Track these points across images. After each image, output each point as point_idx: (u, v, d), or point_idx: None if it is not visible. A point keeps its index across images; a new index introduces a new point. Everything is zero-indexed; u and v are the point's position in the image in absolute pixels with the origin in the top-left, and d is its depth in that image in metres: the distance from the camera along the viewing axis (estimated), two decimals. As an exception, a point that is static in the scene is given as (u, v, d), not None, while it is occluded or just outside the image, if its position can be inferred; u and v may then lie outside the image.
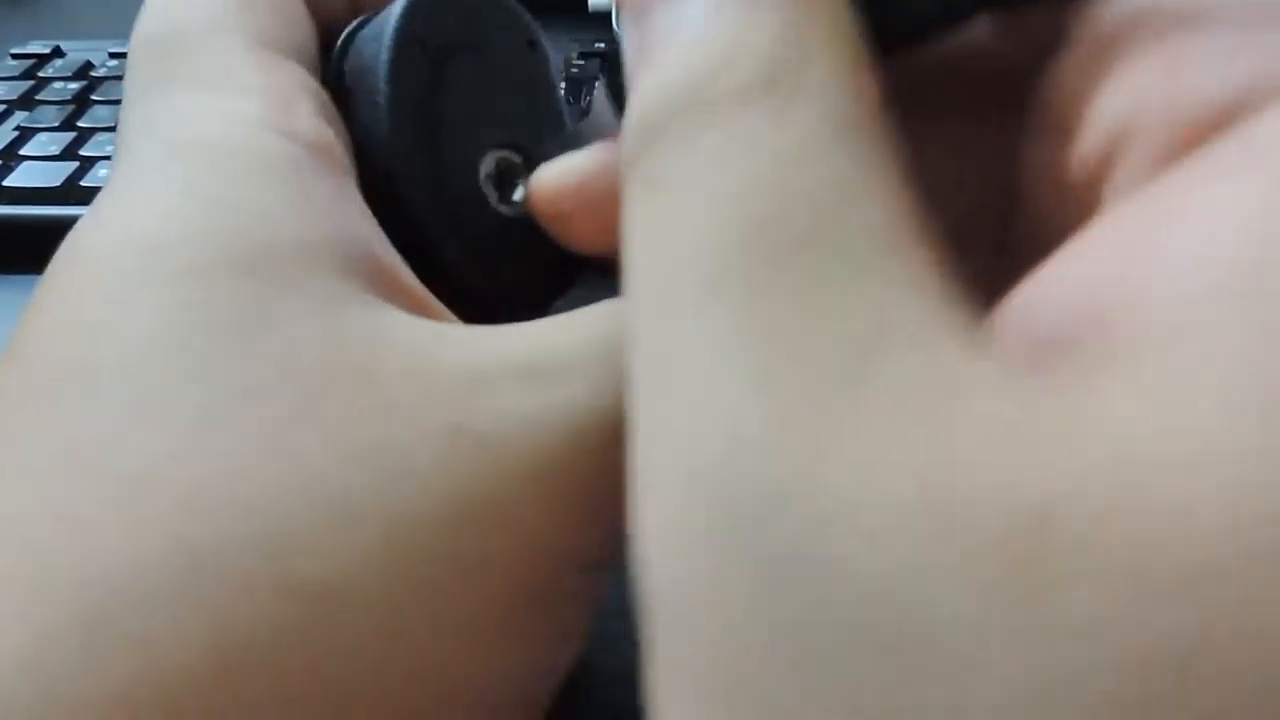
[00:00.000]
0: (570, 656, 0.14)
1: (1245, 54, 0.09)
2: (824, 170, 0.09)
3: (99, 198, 0.15)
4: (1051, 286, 0.09)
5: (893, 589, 0.07)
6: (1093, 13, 0.11)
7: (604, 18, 0.47)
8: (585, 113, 0.17)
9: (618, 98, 0.16)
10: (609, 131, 0.16)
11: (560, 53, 0.43)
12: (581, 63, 0.42)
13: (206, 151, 0.14)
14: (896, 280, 0.09)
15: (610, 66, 0.16)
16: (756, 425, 0.08)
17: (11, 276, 0.16)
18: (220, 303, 0.13)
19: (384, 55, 0.17)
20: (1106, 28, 0.11)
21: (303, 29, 0.17)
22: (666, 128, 0.10)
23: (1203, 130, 0.09)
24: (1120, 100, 0.10)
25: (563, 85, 0.40)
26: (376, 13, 0.18)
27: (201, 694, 0.10)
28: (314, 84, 0.17)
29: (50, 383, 0.12)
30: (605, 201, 0.15)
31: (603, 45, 0.43)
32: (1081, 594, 0.07)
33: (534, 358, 0.14)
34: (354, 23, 0.18)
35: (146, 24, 0.16)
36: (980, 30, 0.13)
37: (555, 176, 0.16)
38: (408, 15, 0.17)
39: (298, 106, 0.15)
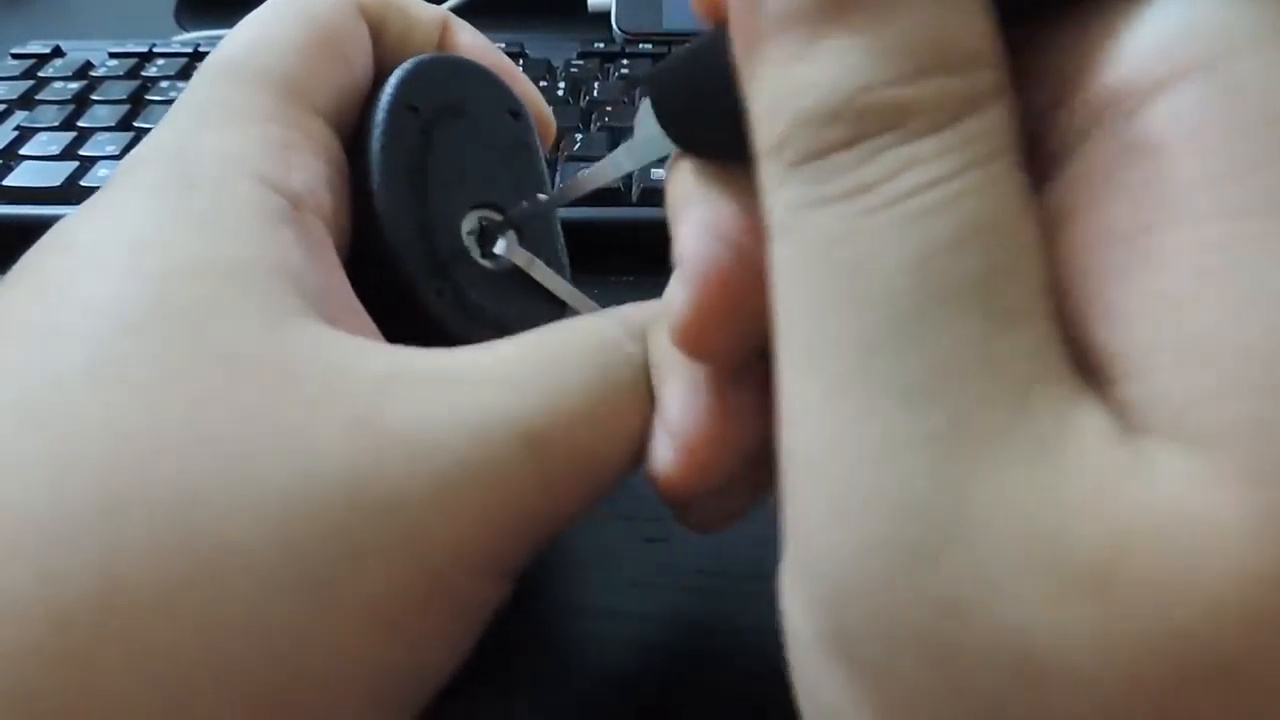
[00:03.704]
0: (454, 666, 0.15)
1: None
2: (1013, 201, 0.10)
3: (96, 197, 0.16)
4: (1094, 321, 0.10)
5: (1019, 626, 0.09)
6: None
7: (604, 18, 0.47)
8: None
9: (668, 120, 0.15)
10: (582, 191, 0.17)
11: (560, 54, 0.43)
12: (581, 63, 0.42)
13: (198, 185, 0.16)
14: (1046, 321, 0.10)
15: (658, 85, 0.15)
16: (932, 482, 0.09)
17: (11, 276, 0.16)
18: (178, 295, 0.14)
19: (378, 117, 0.19)
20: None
21: (353, 84, 0.19)
22: (859, 134, 0.10)
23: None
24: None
25: (561, 85, 0.40)
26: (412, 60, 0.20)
27: (89, 621, 0.12)
28: (333, 146, 0.19)
29: (15, 339, 0.14)
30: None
31: (601, 45, 0.43)
32: (1135, 629, 0.08)
33: (449, 367, 0.15)
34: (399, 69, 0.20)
35: (222, 49, 0.18)
36: None
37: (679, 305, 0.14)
38: (403, 82, 0.19)
39: (299, 168, 0.17)
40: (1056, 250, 0.10)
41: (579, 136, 0.36)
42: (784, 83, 0.11)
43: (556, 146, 0.35)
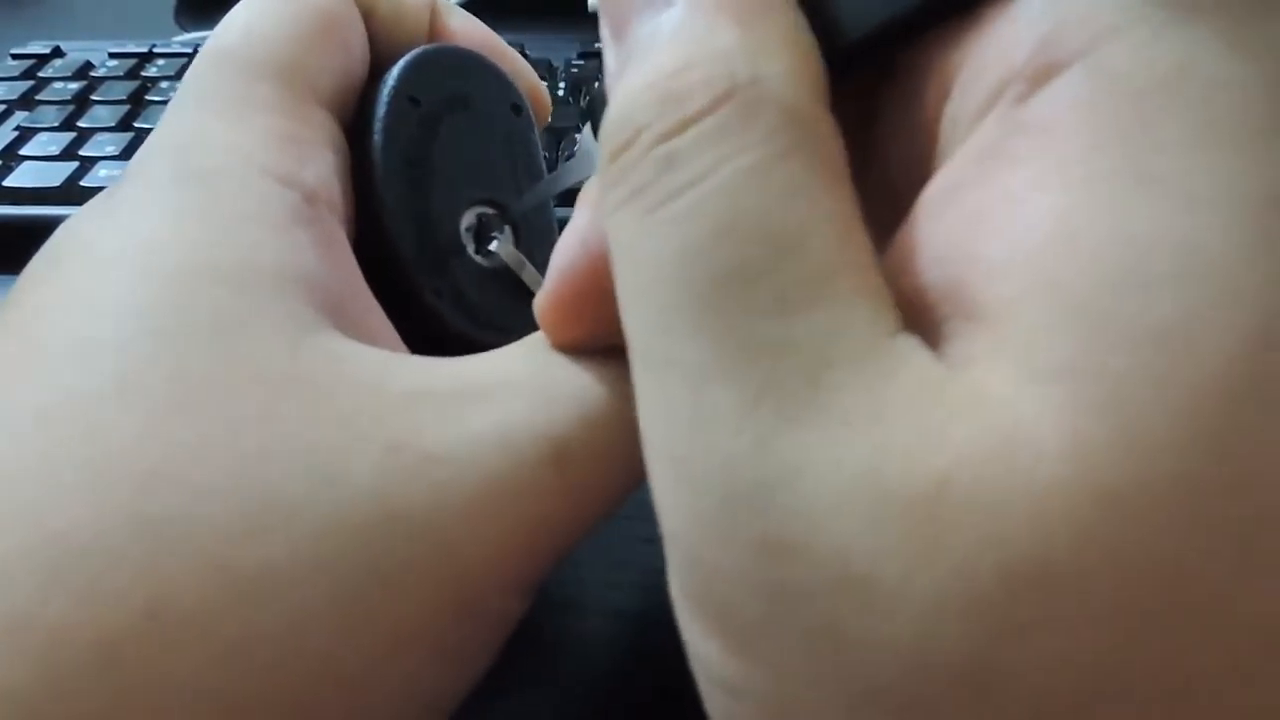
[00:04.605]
0: (481, 673, 0.15)
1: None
2: (780, 185, 0.10)
3: (104, 196, 0.16)
4: (912, 256, 0.11)
5: (842, 553, 0.09)
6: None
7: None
8: (570, 156, 0.17)
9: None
10: (579, 179, 0.17)
11: (560, 54, 0.43)
12: (581, 63, 0.42)
13: (213, 182, 0.15)
14: (843, 297, 0.10)
15: (593, 108, 0.16)
16: (745, 445, 0.10)
17: (11, 277, 0.16)
18: (200, 305, 0.14)
19: (379, 110, 0.19)
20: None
21: (352, 71, 0.19)
22: (636, 135, 0.11)
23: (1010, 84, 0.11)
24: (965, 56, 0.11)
25: (561, 85, 0.40)
26: (415, 50, 0.20)
27: (133, 645, 0.12)
28: (338, 136, 0.18)
29: (42, 349, 0.14)
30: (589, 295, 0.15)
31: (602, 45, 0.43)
32: (959, 542, 0.09)
33: (472, 380, 0.15)
34: (399, 62, 0.19)
35: (218, 38, 0.18)
36: None
37: (546, 291, 0.16)
38: (404, 74, 0.19)
39: (310, 160, 0.17)
40: (943, 218, 0.11)
41: (579, 136, 0.36)
42: (610, 103, 0.12)
43: (557, 147, 0.35)
